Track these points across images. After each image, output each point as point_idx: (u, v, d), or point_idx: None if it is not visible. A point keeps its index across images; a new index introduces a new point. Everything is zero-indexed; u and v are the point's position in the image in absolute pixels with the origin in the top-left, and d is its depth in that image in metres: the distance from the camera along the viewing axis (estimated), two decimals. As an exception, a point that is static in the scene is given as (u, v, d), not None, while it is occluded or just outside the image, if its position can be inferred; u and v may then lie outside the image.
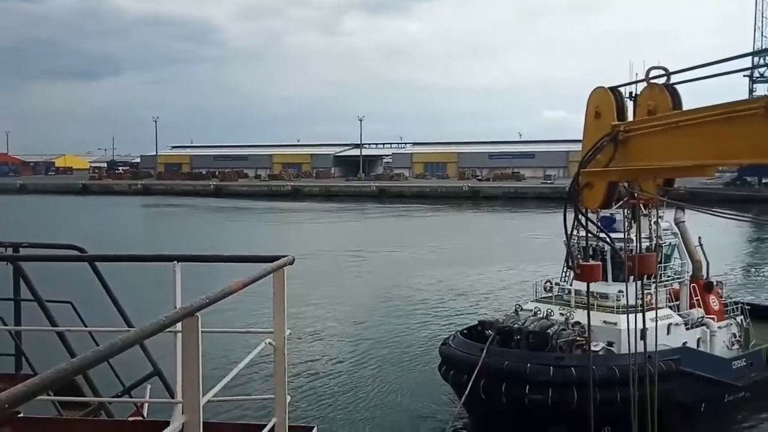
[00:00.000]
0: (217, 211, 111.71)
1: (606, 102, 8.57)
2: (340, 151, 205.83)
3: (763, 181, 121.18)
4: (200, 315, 4.26)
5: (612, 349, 23.81)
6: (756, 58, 77.86)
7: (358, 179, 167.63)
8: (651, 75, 8.02)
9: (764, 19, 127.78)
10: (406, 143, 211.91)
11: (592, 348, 21.87)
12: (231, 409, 17.47)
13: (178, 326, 4.35)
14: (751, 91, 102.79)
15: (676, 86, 7.90)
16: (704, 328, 26.69)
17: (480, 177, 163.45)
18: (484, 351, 23.47)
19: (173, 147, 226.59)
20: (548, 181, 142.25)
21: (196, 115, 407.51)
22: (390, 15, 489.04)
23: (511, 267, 51.61)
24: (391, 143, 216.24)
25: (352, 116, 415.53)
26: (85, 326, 7.37)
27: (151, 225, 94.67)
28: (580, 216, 9.28)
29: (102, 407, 6.45)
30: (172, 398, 6.55)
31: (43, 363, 5.29)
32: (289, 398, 5.83)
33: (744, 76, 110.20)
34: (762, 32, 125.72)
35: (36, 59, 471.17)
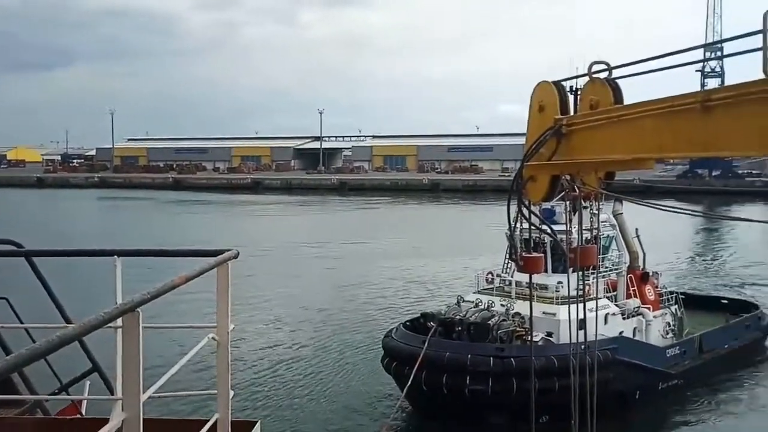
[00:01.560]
0: (176, 204, 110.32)
1: (549, 96, 8.66)
2: (300, 144, 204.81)
3: (713, 173, 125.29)
4: (141, 310, 4.16)
5: (551, 339, 24.23)
6: (707, 53, 79.70)
7: (318, 172, 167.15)
8: (593, 69, 8.14)
9: (716, 15, 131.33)
10: (365, 136, 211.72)
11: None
12: (173, 404, 17.24)
13: (119, 322, 4.23)
14: (702, 85, 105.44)
15: (618, 80, 8.05)
16: (640, 317, 27.38)
17: (439, 170, 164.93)
18: (426, 343, 23.63)
19: (129, 139, 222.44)
20: (506, 174, 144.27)
21: (154, 108, 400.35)
22: (348, 5, 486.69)
23: (463, 258, 51.99)
24: (351, 136, 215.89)
25: (312, 108, 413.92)
26: (21, 323, 7.13)
27: (108, 218, 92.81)
28: (523, 209, 9.39)
29: (38, 405, 6.27)
30: (112, 395, 6.41)
31: (-25, 361, 5.09)
32: (232, 393, 5.75)
33: (696, 71, 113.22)
34: (713, 27, 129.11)
35: None
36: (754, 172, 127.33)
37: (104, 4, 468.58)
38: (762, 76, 5.62)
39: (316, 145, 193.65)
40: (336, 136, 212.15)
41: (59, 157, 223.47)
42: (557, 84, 8.71)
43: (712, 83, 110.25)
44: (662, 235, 52.49)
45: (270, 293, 42.16)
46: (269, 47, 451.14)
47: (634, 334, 26.82)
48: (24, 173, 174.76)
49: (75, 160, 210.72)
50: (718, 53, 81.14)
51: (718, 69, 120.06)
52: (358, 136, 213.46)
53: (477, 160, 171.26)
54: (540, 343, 23.40)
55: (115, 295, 5.60)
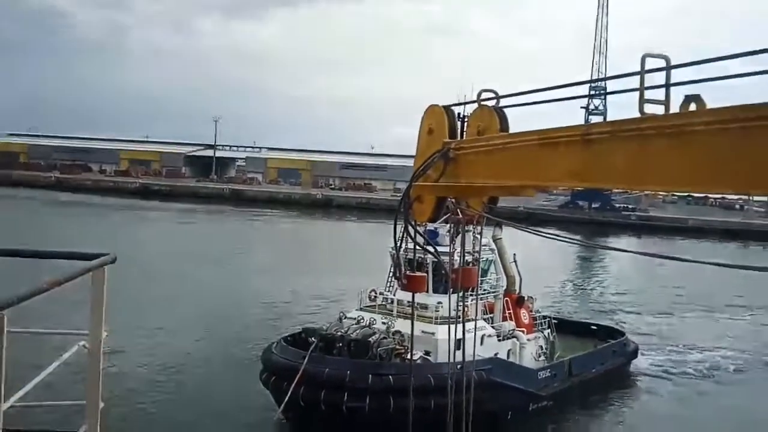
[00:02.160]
0: (58, 205, 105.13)
1: (439, 119, 8.84)
2: (192, 151, 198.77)
3: (593, 205, 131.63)
4: (6, 314, 3.95)
5: (429, 358, 24.58)
6: (592, 92, 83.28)
7: (210, 180, 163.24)
8: (482, 97, 8.38)
9: (601, 54, 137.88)
10: (260, 147, 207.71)
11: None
12: (38, 415, 16.32)
13: (-20, 324, 4.00)
14: (586, 121, 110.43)
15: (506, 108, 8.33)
16: (515, 340, 28.22)
17: (333, 186, 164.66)
18: (306, 358, 23.49)
19: (9, 134, 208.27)
20: (398, 194, 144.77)
21: (35, 104, 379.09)
22: (245, 19, 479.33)
23: (350, 275, 51.98)
24: (245, 147, 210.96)
25: (203, 117, 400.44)
26: None
27: None
28: (409, 228, 9.51)
29: None
30: (-30, 403, 6.03)
31: None
32: (102, 404, 5.54)
33: (581, 107, 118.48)
34: (599, 67, 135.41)
35: None
36: (629, 206, 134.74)
37: None
38: (638, 114, 5.95)
39: (208, 153, 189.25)
40: (230, 146, 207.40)
41: None
42: (447, 108, 8.90)
43: (595, 120, 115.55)
44: (540, 261, 54.45)
45: (148, 303, 40.65)
46: (161, 53, 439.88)
47: (508, 356, 27.60)
48: None
49: None
50: (602, 91, 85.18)
51: (601, 107, 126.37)
52: (252, 147, 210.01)
53: (371, 179, 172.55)
54: (418, 362, 23.70)
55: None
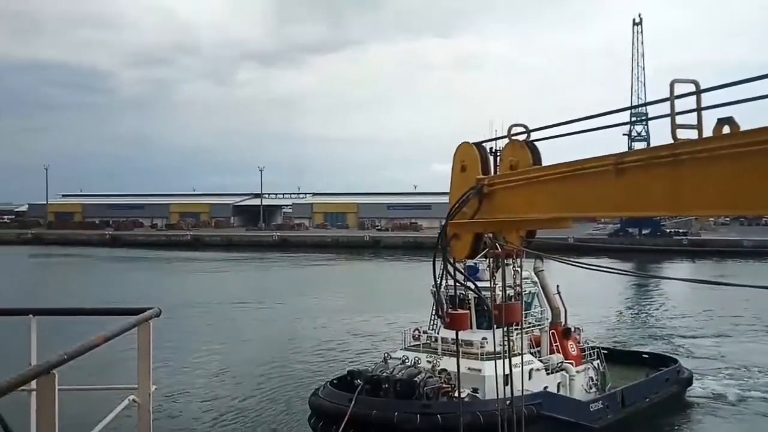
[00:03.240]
0: (113, 261, 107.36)
1: (471, 156, 8.90)
2: (240, 201, 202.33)
3: (643, 231, 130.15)
4: (57, 372, 4.05)
5: (477, 395, 24.33)
6: (633, 118, 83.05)
7: (258, 229, 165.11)
8: (512, 132, 8.43)
9: (639, 82, 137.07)
10: (306, 193, 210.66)
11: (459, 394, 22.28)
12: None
13: (33, 384, 4.10)
14: (629, 148, 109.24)
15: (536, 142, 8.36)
16: (564, 372, 27.80)
17: (380, 227, 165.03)
18: (353, 400, 23.43)
19: (64, 195, 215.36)
20: None
21: (86, 164, 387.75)
22: (283, 67, 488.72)
23: (399, 314, 51.80)
24: (290, 193, 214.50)
25: (248, 166, 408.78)
26: None
27: (42, 276, 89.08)
28: (448, 266, 9.52)
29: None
30: (25, 462, 6.14)
31: None
32: (153, 458, 5.60)
33: (623, 134, 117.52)
34: (638, 94, 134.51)
35: None
36: (680, 230, 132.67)
37: (18, 58, 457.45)
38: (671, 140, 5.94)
39: (255, 201, 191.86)
40: (276, 194, 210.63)
41: None
42: (478, 145, 8.96)
43: (639, 146, 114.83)
44: (590, 291, 53.77)
45: (199, 352, 41.44)
46: (203, 105, 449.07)
47: (558, 389, 27.18)
48: None
49: (5, 217, 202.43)
50: (643, 117, 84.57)
51: (644, 133, 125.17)
52: (297, 194, 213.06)
53: (416, 218, 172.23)
54: (466, 399, 23.47)
55: (30, 356, 5.43)
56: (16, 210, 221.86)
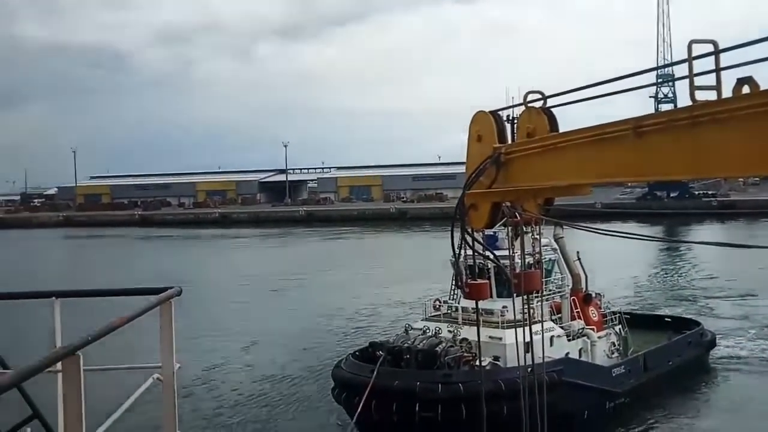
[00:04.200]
0: (144, 240, 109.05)
1: (487, 125, 8.83)
2: (265, 177, 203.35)
3: (671, 194, 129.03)
4: (82, 353, 4.08)
5: (498, 363, 24.41)
6: (659, 80, 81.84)
7: (284, 204, 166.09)
8: (528, 99, 8.34)
9: (665, 43, 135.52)
10: (330, 168, 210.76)
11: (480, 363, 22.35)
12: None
13: (59, 366, 4.15)
14: (656, 110, 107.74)
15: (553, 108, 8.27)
16: (585, 338, 27.78)
17: (405, 199, 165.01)
18: (375, 372, 23.59)
19: (92, 177, 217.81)
20: None
21: (112, 145, 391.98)
22: (305, 41, 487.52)
23: (424, 285, 51.85)
24: (315, 168, 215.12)
25: (272, 142, 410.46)
26: None
27: (77, 257, 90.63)
28: (466, 236, 9.51)
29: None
30: (54, 442, 6.23)
31: None
32: (179, 434, 5.66)
33: (650, 96, 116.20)
34: (663, 56, 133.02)
35: None
36: (709, 192, 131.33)
37: (48, 41, 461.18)
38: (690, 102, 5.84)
39: (280, 177, 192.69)
40: (300, 169, 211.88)
41: (18, 197, 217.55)
42: (494, 113, 8.89)
43: (666, 109, 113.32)
44: (614, 256, 53.50)
45: (226, 328, 41.96)
46: (225, 81, 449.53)
47: (579, 355, 27.19)
48: None
49: (36, 200, 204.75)
50: (669, 79, 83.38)
51: (670, 95, 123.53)
52: (322, 168, 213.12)
53: (441, 188, 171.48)
54: (488, 368, 23.54)
55: (55, 338, 5.48)
56: (46, 193, 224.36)
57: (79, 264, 79.82)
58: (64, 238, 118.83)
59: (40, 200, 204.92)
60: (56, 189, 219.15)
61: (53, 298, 5.80)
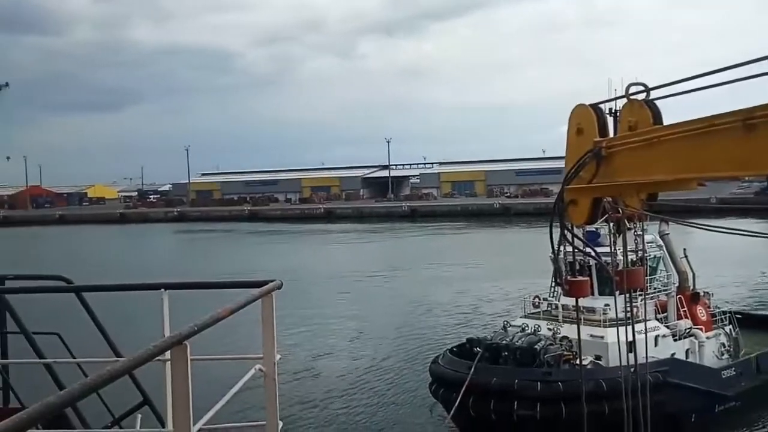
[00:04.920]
0: (254, 234, 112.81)
1: (587, 119, 8.64)
2: (368, 173, 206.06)
3: None
4: (189, 343, 4.24)
5: (600, 362, 23.88)
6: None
7: (387, 200, 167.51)
8: (631, 91, 8.11)
9: None
10: (432, 163, 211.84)
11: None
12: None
13: (167, 355, 4.33)
14: None
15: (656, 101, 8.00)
16: (692, 338, 26.81)
17: (509, 194, 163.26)
18: (472, 368, 23.50)
19: (203, 174, 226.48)
20: None
21: (220, 142, 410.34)
22: (404, 37, 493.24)
23: (526, 282, 51.26)
24: (417, 164, 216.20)
25: (373, 138, 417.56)
26: (73, 357, 7.30)
27: (191, 251, 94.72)
28: (566, 232, 9.34)
29: (92, 439, 6.40)
30: (163, 427, 6.52)
31: (31, 396, 5.26)
32: (281, 424, 5.80)
33: None
34: None
35: (56, 93, 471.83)
36: None
37: (159, 44, 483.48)
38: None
39: (383, 173, 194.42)
40: (403, 164, 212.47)
41: (136, 194, 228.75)
42: (594, 106, 8.68)
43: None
44: (727, 253, 51.30)
45: (327, 321, 42.85)
46: (328, 79, 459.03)
47: (686, 356, 26.27)
48: (106, 210, 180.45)
49: (152, 196, 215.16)
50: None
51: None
52: (425, 164, 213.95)
53: (546, 183, 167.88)
54: (589, 367, 23.07)
55: (163, 327, 5.72)
56: (160, 189, 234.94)
57: (191, 257, 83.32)
58: (178, 233, 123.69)
59: (155, 196, 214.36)
60: (170, 185, 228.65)
61: (162, 289, 6.05)
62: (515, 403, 22.55)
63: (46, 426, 5.94)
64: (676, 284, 28.31)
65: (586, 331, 23.59)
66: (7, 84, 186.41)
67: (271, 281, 5.83)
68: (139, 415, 7.45)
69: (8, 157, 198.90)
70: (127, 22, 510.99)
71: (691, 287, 28.71)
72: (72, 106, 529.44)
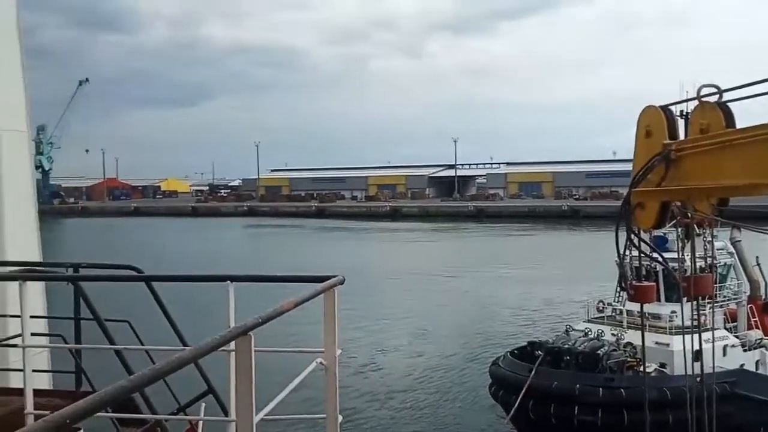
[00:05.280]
0: (321, 231, 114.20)
1: (657, 121, 8.48)
2: (434, 172, 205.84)
3: None
4: (253, 334, 4.34)
5: (665, 370, 23.37)
6: None
7: (453, 199, 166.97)
8: (702, 93, 7.93)
9: None
10: (499, 163, 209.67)
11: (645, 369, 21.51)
12: (283, 427, 17.63)
13: (232, 345, 4.42)
14: None
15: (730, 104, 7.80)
16: (763, 349, 26.00)
17: (577, 196, 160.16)
18: (533, 371, 23.29)
19: (272, 170, 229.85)
20: None
21: (288, 139, 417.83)
22: (473, 35, 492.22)
23: (592, 286, 50.50)
24: (483, 163, 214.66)
25: (439, 137, 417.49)
26: (142, 344, 7.53)
27: (263, 245, 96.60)
28: (632, 236, 9.18)
29: (159, 425, 6.58)
30: (226, 416, 6.67)
31: (101, 380, 5.45)
32: (341, 418, 5.87)
33: None
34: None
35: (132, 89, 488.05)
36: None
37: (231, 41, 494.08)
38: None
39: (449, 173, 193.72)
40: (469, 164, 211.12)
41: (207, 188, 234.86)
42: (664, 108, 8.51)
43: None
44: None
45: (389, 318, 42.96)
46: (395, 78, 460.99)
47: (756, 368, 25.47)
48: (178, 203, 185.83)
49: (222, 190, 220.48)
50: None
51: None
52: (491, 164, 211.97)
53: (616, 186, 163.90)
54: (653, 374, 22.61)
55: (228, 318, 5.86)
56: (230, 184, 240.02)
57: (261, 250, 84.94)
58: (248, 227, 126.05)
59: (226, 191, 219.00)
60: (240, 180, 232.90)
61: (228, 281, 6.20)
62: (576, 408, 22.26)
63: (115, 410, 6.15)
64: (748, 293, 27.49)
65: (651, 338, 23.12)
66: (87, 80, 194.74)
67: (334, 276, 5.91)
68: (203, 404, 7.64)
69: (87, 150, 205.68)
70: (201, 20, 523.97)
71: (763, 297, 27.86)
72: (147, 102, 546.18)
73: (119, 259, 8.36)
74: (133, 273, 7.71)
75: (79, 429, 6.60)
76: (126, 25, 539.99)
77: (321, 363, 5.75)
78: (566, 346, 24.41)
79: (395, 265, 66.16)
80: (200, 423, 7.49)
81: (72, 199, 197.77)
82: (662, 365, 23.40)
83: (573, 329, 26.34)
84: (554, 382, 22.89)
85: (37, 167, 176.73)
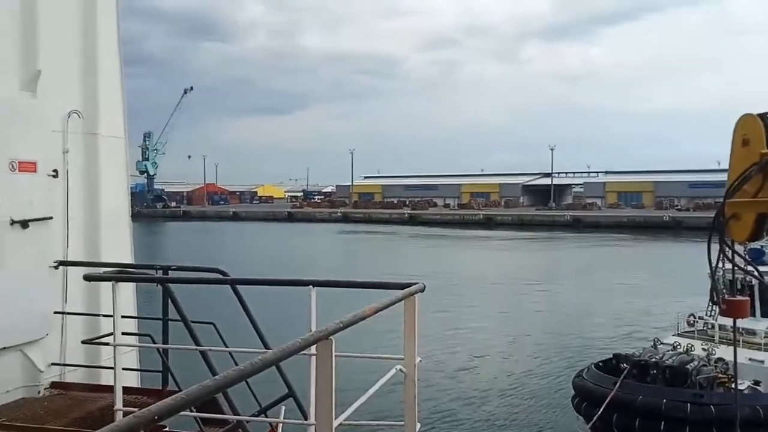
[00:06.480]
0: (413, 237, 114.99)
1: (754, 129, 8.13)
2: (528, 181, 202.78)
3: None
4: (334, 339, 4.35)
5: (758, 388, 22.42)
6: None
7: (549, 208, 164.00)
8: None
9: None
10: (597, 172, 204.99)
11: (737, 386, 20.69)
12: None
13: (313, 349, 4.45)
14: None
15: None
16: None
17: (679, 207, 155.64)
18: (617, 384, 22.70)
19: (365, 177, 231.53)
20: None
21: (381, 145, 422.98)
22: (570, 40, 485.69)
23: (682, 299, 48.93)
24: (580, 172, 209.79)
25: (535, 144, 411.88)
26: (226, 346, 7.67)
27: (362, 251, 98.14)
28: (725, 248, 8.83)
29: (240, 425, 6.69)
30: (306, 420, 6.73)
31: (186, 380, 5.57)
32: (419, 426, 5.84)
33: None
34: None
35: (232, 96, 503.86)
36: None
37: (327, 50, 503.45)
38: None
39: (544, 181, 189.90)
40: (565, 173, 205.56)
41: (301, 194, 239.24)
42: (763, 116, 8.15)
43: None
44: None
45: (473, 326, 42.63)
46: (490, 84, 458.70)
47: None
48: (275, 208, 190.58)
49: (316, 196, 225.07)
50: None
51: None
52: (588, 172, 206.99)
53: (721, 197, 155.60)
54: (746, 392, 21.70)
55: (310, 323, 5.91)
56: (324, 190, 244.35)
57: (351, 256, 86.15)
58: (342, 233, 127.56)
59: (320, 197, 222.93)
60: (333, 187, 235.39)
61: (310, 286, 6.26)
62: (662, 423, 21.57)
63: (199, 409, 6.29)
64: None
65: (745, 354, 22.27)
66: (191, 88, 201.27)
67: (415, 284, 5.89)
68: (284, 407, 7.73)
69: (189, 156, 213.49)
70: (299, 30, 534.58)
71: None
72: (246, 109, 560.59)
73: (223, 263, 8.55)
74: (219, 276, 7.89)
75: (165, 426, 6.78)
76: (228, 35, 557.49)
77: (400, 370, 5.74)
78: (653, 359, 23.72)
79: (486, 274, 65.77)
80: (280, 425, 7.59)
81: (174, 204, 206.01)
82: (756, 383, 22.47)
83: (661, 342, 25.61)
84: (640, 396, 22.26)
85: (142, 172, 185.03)
